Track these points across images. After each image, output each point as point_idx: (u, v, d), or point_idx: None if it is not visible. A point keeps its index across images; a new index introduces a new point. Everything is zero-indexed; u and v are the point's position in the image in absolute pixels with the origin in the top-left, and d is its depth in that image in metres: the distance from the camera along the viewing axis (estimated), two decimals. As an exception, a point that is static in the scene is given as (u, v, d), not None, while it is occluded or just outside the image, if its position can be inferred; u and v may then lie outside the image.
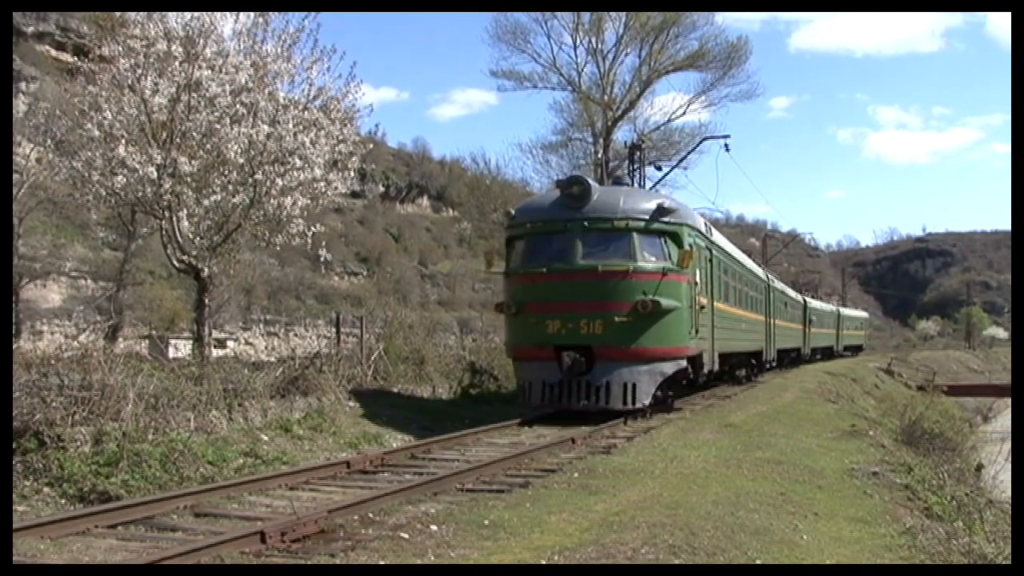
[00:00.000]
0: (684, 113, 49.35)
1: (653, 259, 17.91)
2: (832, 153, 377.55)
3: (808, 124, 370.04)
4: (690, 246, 18.63)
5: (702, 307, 19.70)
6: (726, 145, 41.43)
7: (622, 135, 47.51)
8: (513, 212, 19.97)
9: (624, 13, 46.97)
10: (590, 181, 18.51)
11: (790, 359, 46.12)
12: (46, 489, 10.70)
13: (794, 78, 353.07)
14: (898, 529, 9.09)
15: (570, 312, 17.59)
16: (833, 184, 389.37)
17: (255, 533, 7.88)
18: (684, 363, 18.54)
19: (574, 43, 48.15)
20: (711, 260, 21.70)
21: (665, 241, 18.12)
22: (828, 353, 63.46)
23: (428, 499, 9.95)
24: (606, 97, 47.85)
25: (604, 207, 17.97)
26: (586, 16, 47.32)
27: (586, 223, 17.85)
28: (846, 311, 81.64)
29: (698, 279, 19.37)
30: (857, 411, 24.54)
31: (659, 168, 40.11)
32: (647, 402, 17.60)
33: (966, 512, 11.97)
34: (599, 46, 48.20)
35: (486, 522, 8.37)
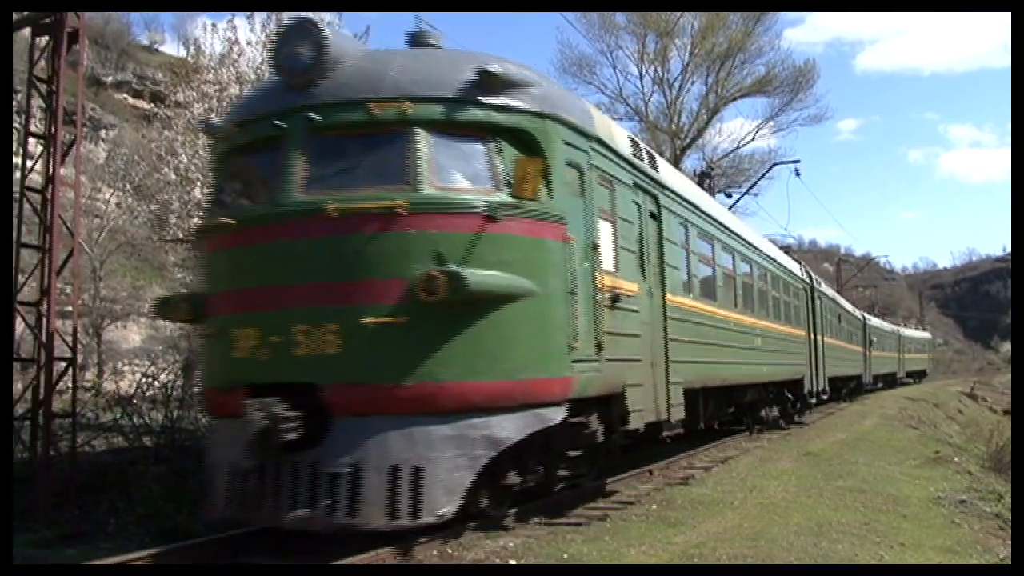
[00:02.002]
0: (753, 139, 49.05)
1: (465, 184, 8.32)
2: (904, 174, 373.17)
3: (878, 145, 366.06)
4: (574, 165, 9.32)
5: (618, 298, 10.06)
6: (796, 170, 40.84)
7: (691, 163, 46.89)
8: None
9: (689, 41, 46.86)
10: (328, 32, 8.72)
11: (848, 389, 39.36)
12: (131, 527, 10.89)
13: (862, 99, 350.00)
14: (990, 560, 8.77)
15: (272, 310, 8.12)
16: (906, 205, 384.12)
17: None
18: (560, 413, 8.73)
19: (640, 73, 47.91)
20: (658, 214, 12.29)
21: (498, 149, 8.50)
22: (890, 380, 57.01)
23: (506, 533, 9.54)
24: (674, 126, 47.49)
25: (358, 82, 8.44)
26: (651, 45, 47.32)
27: (317, 116, 8.34)
28: (907, 332, 75.86)
29: (611, 240, 10.18)
30: (940, 437, 23.75)
31: (729, 195, 39.74)
32: (449, 510, 7.84)
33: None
34: (665, 75, 47.91)
35: (565, 556, 8.25)
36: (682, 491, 12.13)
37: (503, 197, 8.27)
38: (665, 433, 13.10)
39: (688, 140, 47.47)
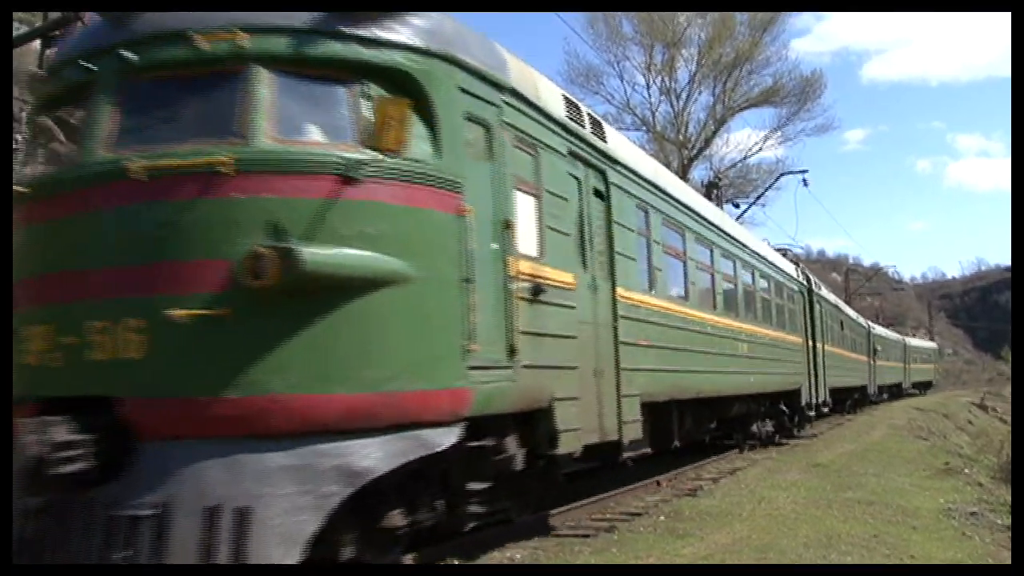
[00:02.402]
0: (760, 149, 49.28)
1: (318, 137, 6.36)
2: (912, 183, 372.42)
3: (885, 155, 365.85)
4: (477, 121, 7.35)
5: (541, 290, 8.02)
6: (804, 180, 40.47)
7: (698, 174, 46.89)
8: None
9: (696, 51, 47.10)
10: None
11: (852, 401, 37.66)
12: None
13: (869, 109, 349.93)
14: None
15: (63, 301, 6.16)
16: (914, 215, 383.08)
17: None
18: (450, 436, 6.64)
19: (647, 83, 47.95)
20: (607, 192, 10.23)
21: (365, 94, 6.51)
22: (896, 391, 55.34)
23: (513, 544, 9.20)
24: (681, 136, 47.55)
25: (184, 15, 6.43)
26: (658, 56, 47.36)
27: (130, 54, 6.36)
28: (913, 341, 72.91)
29: (533, 217, 8.23)
30: (950, 448, 23.48)
31: (737, 206, 39.25)
32: (286, 563, 5.71)
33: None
34: (672, 85, 47.95)
35: (572, 567, 8.34)
36: (690, 502, 12.14)
37: (373, 155, 6.25)
38: (626, 455, 10.94)
39: (695, 150, 47.63)
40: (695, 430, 15.12)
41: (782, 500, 11.99)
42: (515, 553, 8.76)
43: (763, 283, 19.78)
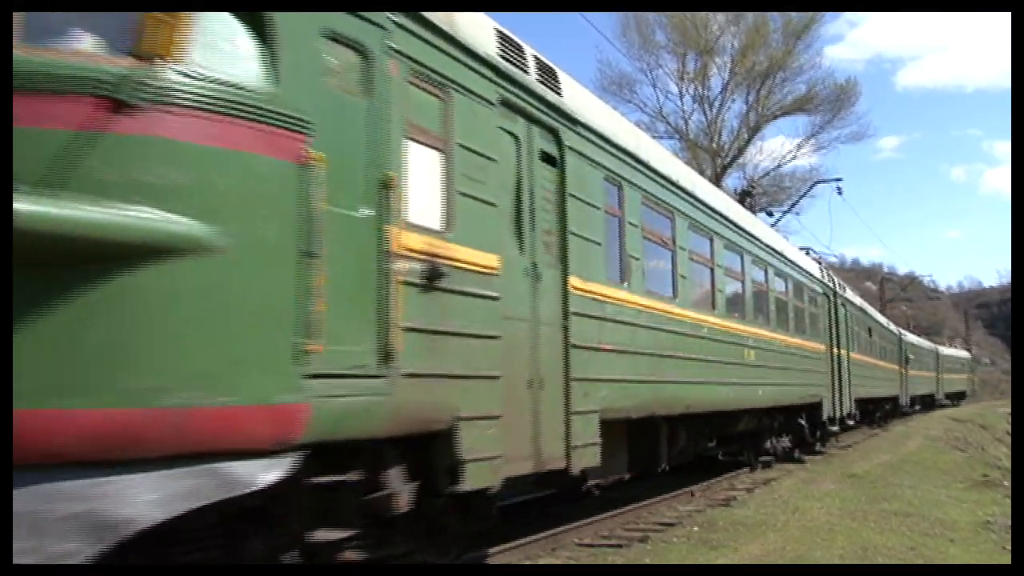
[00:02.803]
0: (794, 157, 48.69)
1: (84, 46, 4.49)
2: (947, 192, 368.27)
3: (920, 163, 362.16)
4: (349, 43, 5.45)
5: (439, 274, 6.09)
6: (839, 188, 39.29)
7: (732, 182, 46.37)
8: None
9: (730, 59, 46.96)
10: None
11: (883, 412, 35.65)
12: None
13: (903, 117, 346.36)
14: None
15: None
16: (950, 223, 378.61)
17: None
18: (270, 470, 4.69)
19: (680, 92, 47.71)
20: (560, 157, 8.34)
21: None
22: (928, 402, 52.76)
23: (546, 554, 9.37)
24: (714, 144, 47.32)
25: None
26: (691, 64, 47.20)
27: None
28: (946, 350, 69.53)
29: (438, 178, 6.36)
30: (989, 460, 23.10)
31: (771, 214, 38.51)
32: None
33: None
34: (705, 93, 47.71)
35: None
36: (724, 513, 12.14)
37: (154, 73, 4.41)
38: (591, 482, 9.32)
39: (729, 159, 47.35)
40: (691, 448, 13.23)
41: (817, 511, 11.99)
42: (548, 561, 8.92)
43: (778, 282, 17.44)
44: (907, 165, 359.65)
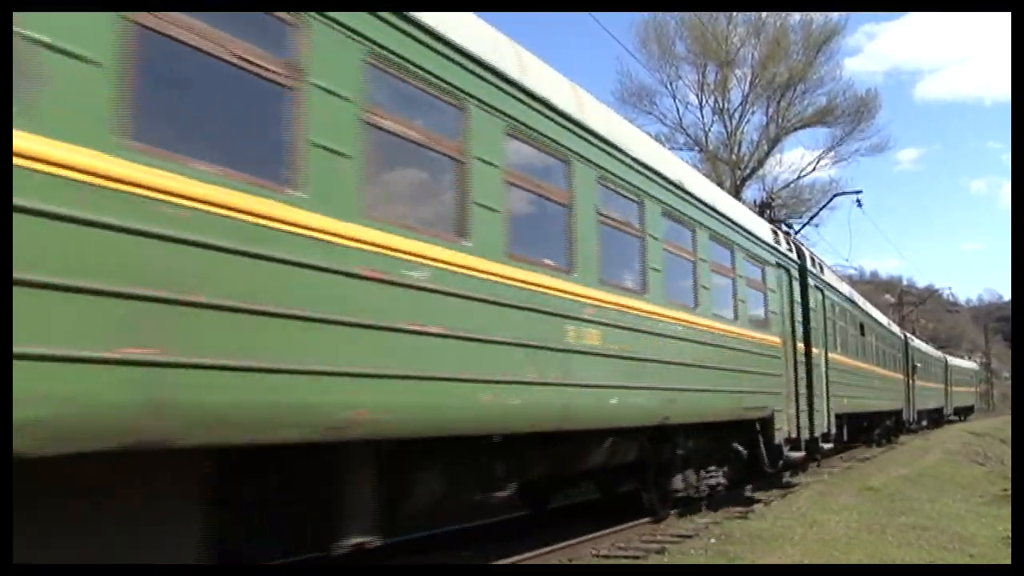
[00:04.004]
0: (814, 169, 49.02)
1: None
2: (966, 204, 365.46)
3: (939, 175, 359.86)
4: None
5: None
6: (858, 200, 40.03)
7: (751, 194, 46.60)
8: None
9: (750, 71, 47.10)
10: None
11: (883, 430, 30.95)
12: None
13: (922, 129, 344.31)
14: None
15: None
16: (969, 236, 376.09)
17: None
18: None
19: (700, 103, 48.02)
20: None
21: None
22: (936, 418, 47.79)
23: (570, 565, 9.58)
24: (734, 156, 47.59)
25: None
26: (711, 75, 47.38)
27: None
28: (955, 360, 64.00)
29: None
30: (1008, 473, 22.18)
31: (790, 226, 39.11)
32: None
33: None
34: (725, 105, 47.97)
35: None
36: (741, 525, 11.96)
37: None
38: None
39: (748, 171, 47.65)
40: (451, 499, 8.36)
41: (834, 524, 11.86)
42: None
43: (673, 229, 11.20)
44: (926, 177, 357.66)
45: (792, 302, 16.41)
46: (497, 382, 7.16)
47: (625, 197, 10.00)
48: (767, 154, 48.43)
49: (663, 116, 48.19)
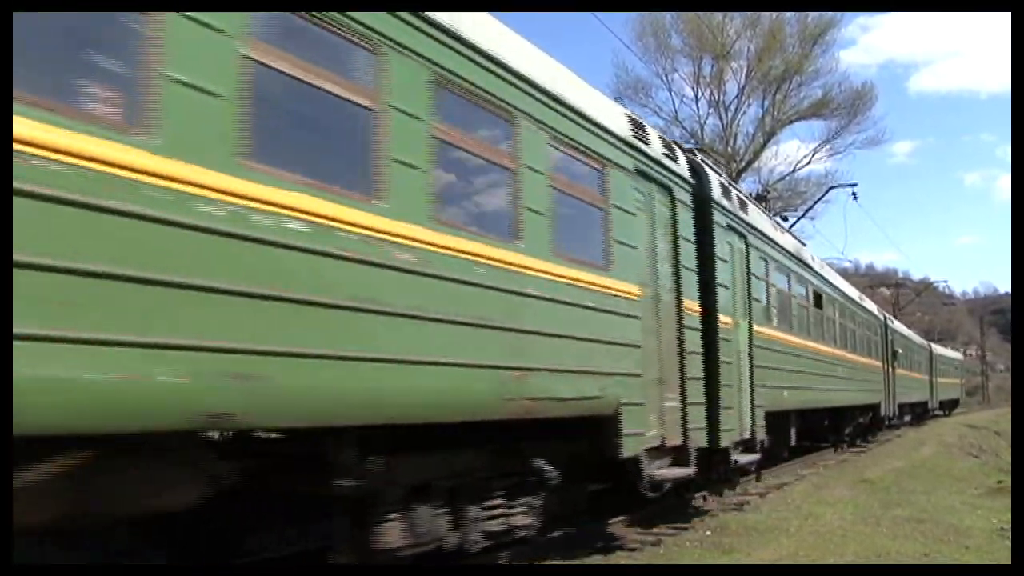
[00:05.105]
0: (809, 162, 49.12)
1: None
2: (961, 197, 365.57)
3: (934, 168, 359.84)
4: None
5: None
6: (854, 194, 39.17)
7: (747, 186, 45.97)
8: None
9: (745, 64, 47.02)
10: None
11: (855, 428, 26.07)
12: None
13: (916, 122, 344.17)
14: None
15: None
16: (964, 229, 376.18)
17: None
18: None
19: (695, 96, 48.02)
20: None
21: None
22: (920, 412, 43.72)
23: (559, 558, 9.21)
24: (729, 149, 47.34)
25: None
26: (707, 68, 47.44)
27: None
28: (940, 350, 58.63)
29: None
30: (1004, 466, 22.28)
31: (785, 219, 38.15)
32: None
33: None
34: (721, 98, 47.98)
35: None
36: (736, 517, 11.99)
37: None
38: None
39: (744, 163, 47.41)
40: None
41: (829, 516, 11.90)
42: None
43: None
44: (921, 170, 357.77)
45: (675, 237, 10.69)
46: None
47: None
48: (763, 147, 48.53)
49: (659, 109, 48.46)
